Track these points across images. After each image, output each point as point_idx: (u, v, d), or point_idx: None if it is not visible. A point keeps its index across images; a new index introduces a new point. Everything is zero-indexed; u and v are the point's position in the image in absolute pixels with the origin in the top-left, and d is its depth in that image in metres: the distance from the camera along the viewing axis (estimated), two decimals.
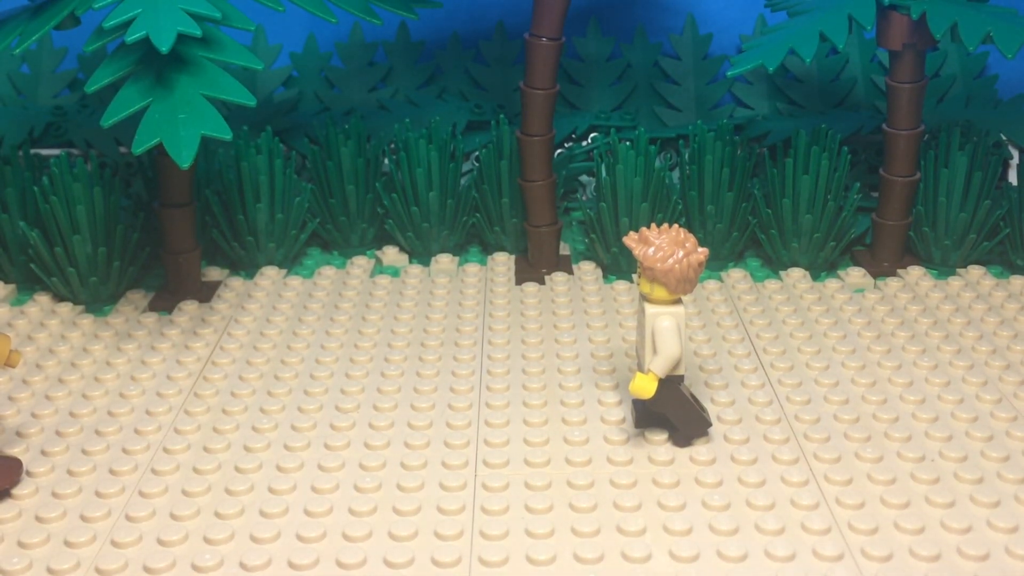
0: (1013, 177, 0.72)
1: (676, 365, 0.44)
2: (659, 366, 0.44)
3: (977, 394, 0.50)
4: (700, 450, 0.46)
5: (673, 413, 0.46)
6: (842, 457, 0.45)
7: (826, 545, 0.40)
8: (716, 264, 0.66)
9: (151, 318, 0.60)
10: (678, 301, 0.44)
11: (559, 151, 0.73)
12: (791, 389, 0.51)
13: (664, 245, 0.44)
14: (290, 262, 0.67)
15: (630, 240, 0.45)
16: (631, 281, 0.64)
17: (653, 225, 0.45)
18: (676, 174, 0.70)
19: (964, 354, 0.54)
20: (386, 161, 0.70)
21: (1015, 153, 0.73)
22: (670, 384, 0.44)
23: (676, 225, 0.45)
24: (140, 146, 0.48)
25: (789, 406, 0.49)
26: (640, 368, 0.45)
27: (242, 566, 0.39)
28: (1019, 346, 0.55)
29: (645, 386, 0.44)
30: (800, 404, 0.50)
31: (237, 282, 0.65)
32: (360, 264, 0.67)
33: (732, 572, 0.39)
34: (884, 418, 0.48)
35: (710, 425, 0.46)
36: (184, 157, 0.47)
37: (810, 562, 0.39)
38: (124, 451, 0.47)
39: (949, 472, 0.44)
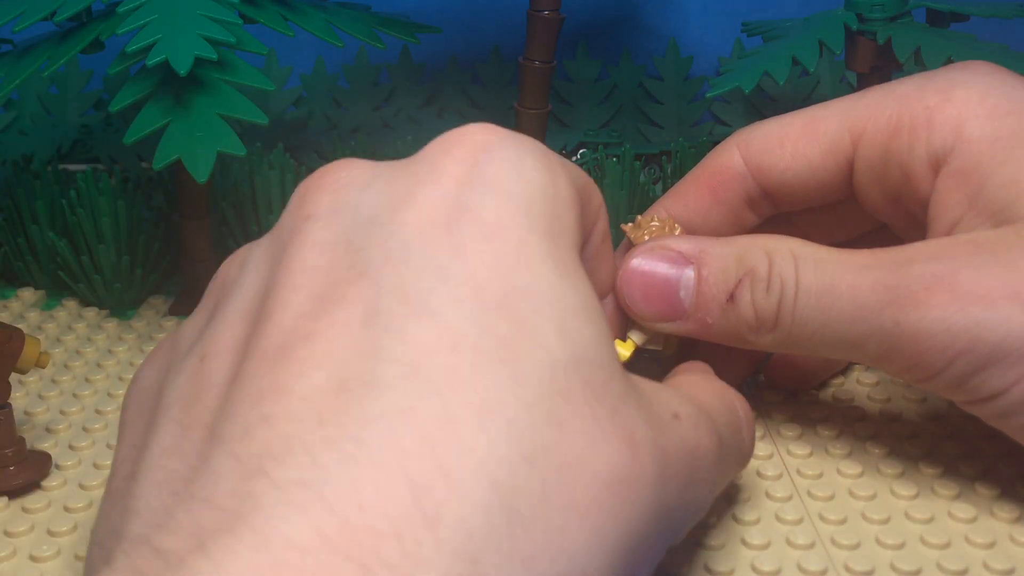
0: None
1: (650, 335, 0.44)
2: (637, 335, 0.43)
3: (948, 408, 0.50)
4: None
5: None
6: (824, 473, 0.45)
7: (811, 560, 0.39)
8: None
9: (171, 322, 0.60)
10: None
11: None
12: (775, 405, 0.50)
13: (655, 231, 0.45)
14: None
15: (626, 227, 0.46)
16: None
17: (649, 212, 0.47)
18: (660, 188, 0.70)
19: None
20: None
21: None
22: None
23: (668, 216, 0.46)
24: (161, 162, 0.48)
25: (771, 422, 0.49)
26: None
27: None
28: None
29: (621, 352, 0.43)
30: (782, 420, 0.48)
31: None
32: None
33: (710, 558, 0.39)
34: (863, 433, 0.47)
35: None
36: (201, 173, 0.47)
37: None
38: None
39: (927, 487, 0.43)
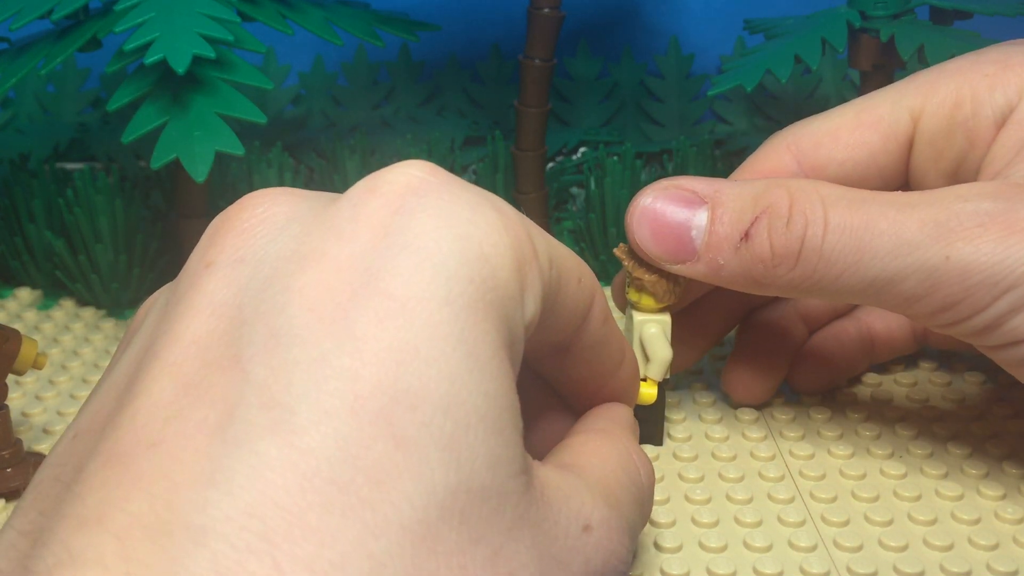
0: None
1: (666, 368, 0.44)
2: (655, 371, 0.43)
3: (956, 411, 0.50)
4: (683, 447, 0.46)
5: (641, 411, 0.45)
6: (827, 474, 0.44)
7: (813, 563, 0.39)
8: None
9: None
10: (664, 309, 0.44)
11: (551, 164, 0.73)
12: (778, 407, 0.50)
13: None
14: None
15: (620, 252, 0.44)
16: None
17: None
18: None
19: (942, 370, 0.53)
20: None
21: None
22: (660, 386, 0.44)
23: None
24: (158, 161, 0.48)
25: (774, 423, 0.49)
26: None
27: None
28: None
29: (648, 392, 0.43)
30: (785, 421, 0.48)
31: None
32: None
33: (712, 561, 0.39)
34: (866, 435, 0.47)
35: (660, 443, 0.47)
36: (199, 172, 0.47)
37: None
38: None
39: (930, 489, 0.43)
